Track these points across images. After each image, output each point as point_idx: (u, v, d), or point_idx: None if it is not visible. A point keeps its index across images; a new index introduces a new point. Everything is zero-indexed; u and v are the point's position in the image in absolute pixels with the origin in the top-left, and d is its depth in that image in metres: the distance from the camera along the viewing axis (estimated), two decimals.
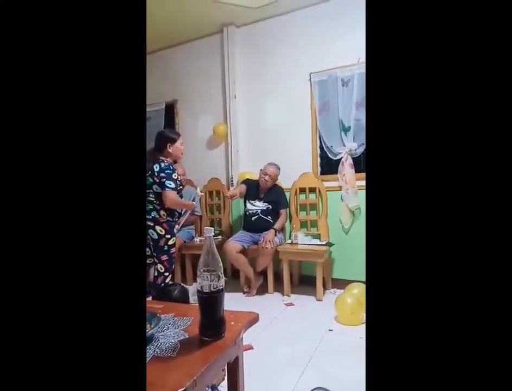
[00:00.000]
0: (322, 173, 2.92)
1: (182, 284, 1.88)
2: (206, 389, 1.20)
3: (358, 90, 2.62)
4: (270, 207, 2.75)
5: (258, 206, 2.78)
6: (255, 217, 2.77)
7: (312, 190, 2.85)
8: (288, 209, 2.83)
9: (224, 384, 1.07)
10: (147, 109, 3.60)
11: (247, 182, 2.85)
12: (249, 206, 2.81)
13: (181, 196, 2.17)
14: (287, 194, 2.94)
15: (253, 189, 2.80)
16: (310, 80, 2.87)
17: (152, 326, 0.81)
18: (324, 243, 2.64)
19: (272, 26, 3.02)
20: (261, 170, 2.79)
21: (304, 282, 2.79)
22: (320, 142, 2.87)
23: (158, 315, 0.86)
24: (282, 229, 2.85)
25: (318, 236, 2.79)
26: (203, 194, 3.16)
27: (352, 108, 2.65)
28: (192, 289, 1.78)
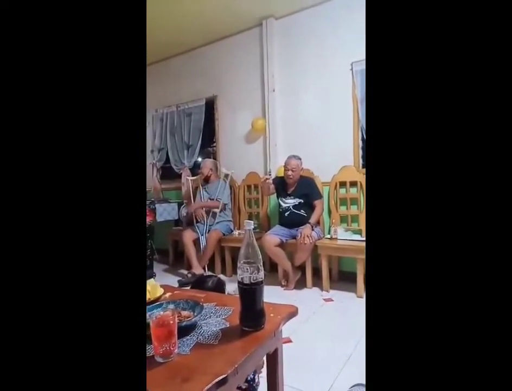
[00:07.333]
0: (364, 166, 2.82)
1: (219, 276, 1.91)
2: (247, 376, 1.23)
3: None
4: (302, 201, 2.70)
5: (289, 202, 2.74)
6: (288, 212, 2.74)
7: (353, 184, 2.76)
8: (322, 199, 2.75)
9: (264, 373, 1.09)
10: (189, 106, 3.73)
11: (275, 180, 2.82)
12: (281, 203, 2.80)
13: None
14: (326, 189, 2.87)
15: (281, 186, 2.77)
16: (352, 69, 2.76)
17: (195, 314, 0.85)
18: (365, 238, 2.55)
19: (310, 17, 2.94)
20: (284, 165, 2.73)
21: (344, 278, 2.73)
22: (362, 133, 2.77)
23: (201, 303, 0.90)
24: (319, 222, 2.80)
25: (359, 232, 2.70)
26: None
27: None
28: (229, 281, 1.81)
